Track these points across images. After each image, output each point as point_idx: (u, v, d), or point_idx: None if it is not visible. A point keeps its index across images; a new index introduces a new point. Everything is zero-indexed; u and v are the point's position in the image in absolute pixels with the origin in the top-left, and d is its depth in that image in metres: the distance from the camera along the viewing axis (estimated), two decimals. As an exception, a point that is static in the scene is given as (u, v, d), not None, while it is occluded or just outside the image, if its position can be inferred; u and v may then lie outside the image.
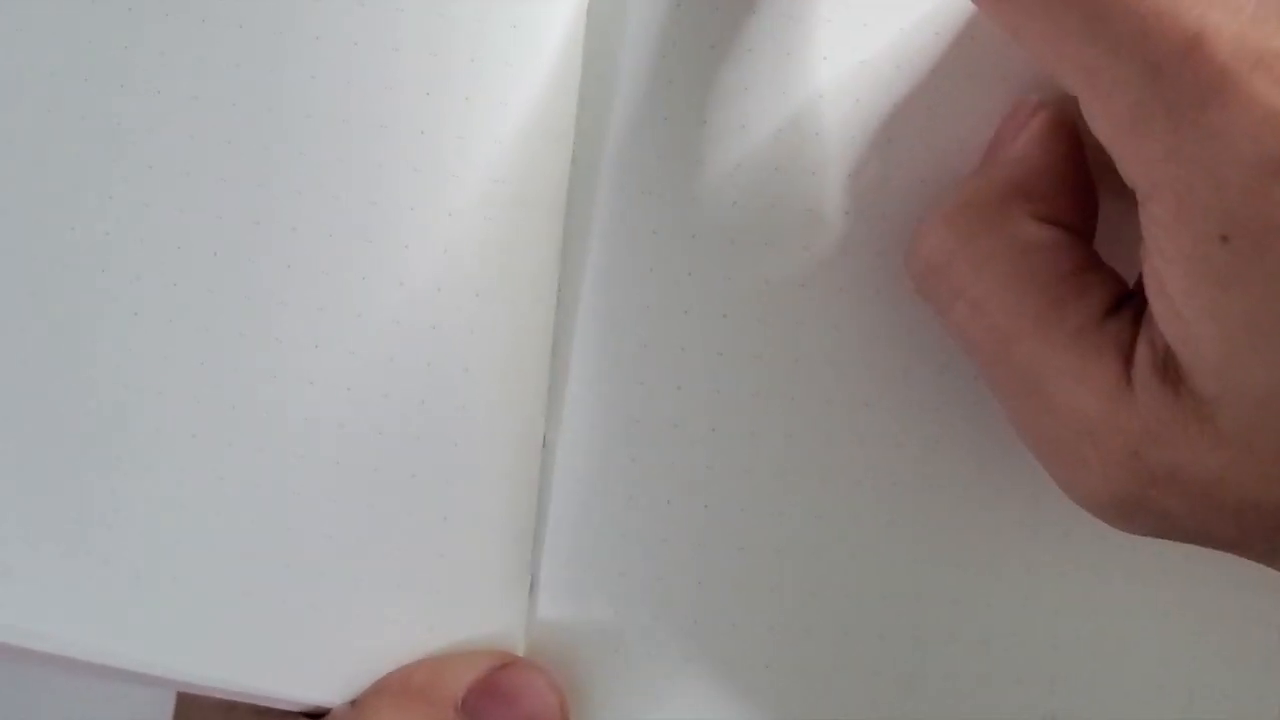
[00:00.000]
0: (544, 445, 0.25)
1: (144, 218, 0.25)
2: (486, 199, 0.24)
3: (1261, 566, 0.20)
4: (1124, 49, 0.17)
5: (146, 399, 0.25)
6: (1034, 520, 0.24)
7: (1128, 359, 0.19)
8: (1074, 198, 0.21)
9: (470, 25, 0.24)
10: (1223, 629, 0.24)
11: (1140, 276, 0.19)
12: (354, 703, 0.24)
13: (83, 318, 0.25)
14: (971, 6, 0.21)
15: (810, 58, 0.24)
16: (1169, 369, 0.18)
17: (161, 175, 0.25)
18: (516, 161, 0.24)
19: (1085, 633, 0.24)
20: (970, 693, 0.24)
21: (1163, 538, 0.19)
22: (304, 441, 0.24)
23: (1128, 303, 0.20)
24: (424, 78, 0.24)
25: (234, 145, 0.25)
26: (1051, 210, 0.21)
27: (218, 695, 0.25)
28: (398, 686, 0.24)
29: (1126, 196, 0.19)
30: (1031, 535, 0.24)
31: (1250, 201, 0.16)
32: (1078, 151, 0.21)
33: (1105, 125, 0.18)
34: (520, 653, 0.25)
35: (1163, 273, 0.18)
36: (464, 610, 0.25)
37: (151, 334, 0.25)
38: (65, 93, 0.25)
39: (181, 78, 0.25)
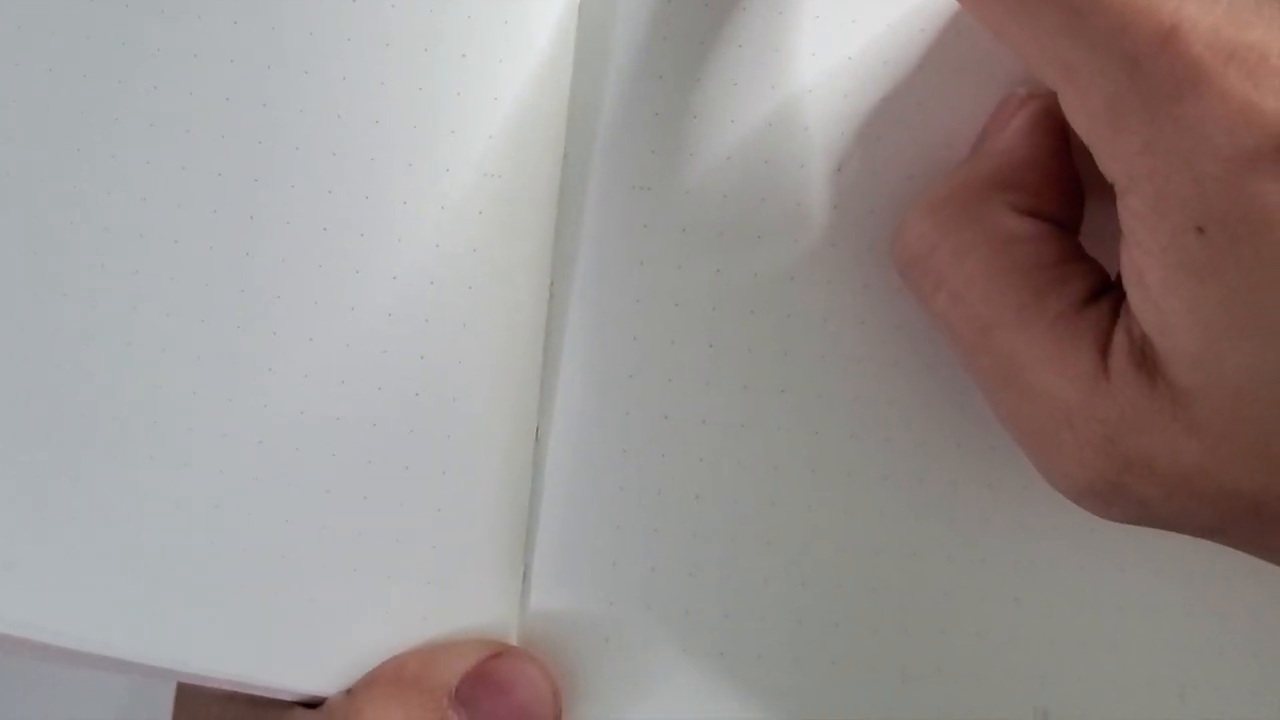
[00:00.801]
0: (536, 437, 0.25)
1: (142, 213, 0.25)
2: (478, 193, 0.24)
3: (1253, 559, 0.20)
4: (1101, 43, 0.17)
5: (144, 392, 0.25)
6: (1025, 514, 0.24)
7: (1105, 348, 0.19)
8: (1058, 191, 0.21)
9: (462, 21, 0.24)
10: (1215, 623, 0.24)
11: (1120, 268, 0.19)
12: (349, 692, 0.24)
13: (81, 312, 0.25)
14: (956, 3, 0.22)
15: (799, 53, 0.24)
16: (1146, 358, 0.18)
17: (158, 170, 0.25)
18: (508, 156, 0.24)
19: (1077, 626, 0.24)
20: (962, 686, 0.24)
21: (1142, 525, 0.19)
22: (299, 434, 0.25)
23: (1107, 293, 0.20)
24: (416, 73, 0.24)
25: (229, 140, 0.25)
26: (1034, 203, 0.21)
27: (215, 685, 0.25)
28: (391, 676, 0.24)
29: (1108, 189, 0.19)
30: (1023, 529, 0.24)
31: (1225, 193, 0.17)
32: (1062, 145, 0.21)
33: (1083, 119, 0.18)
34: (513, 642, 0.25)
35: (1140, 264, 0.18)
36: (457, 600, 0.25)
37: (149, 328, 0.25)
38: (63, 89, 0.25)
39: (177, 74, 0.25)
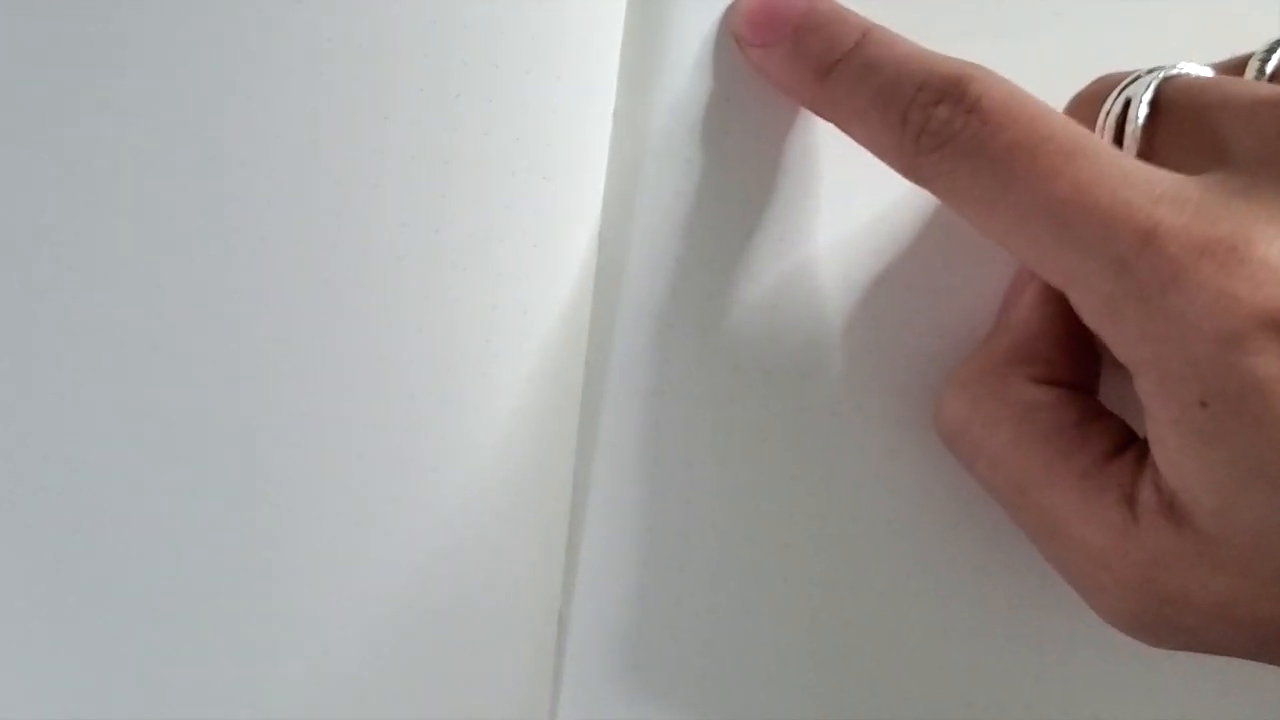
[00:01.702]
0: (555, 649, 0.26)
1: (184, 458, 0.25)
2: (507, 428, 0.25)
3: None
4: (1090, 249, 0.19)
5: (187, 603, 0.25)
6: (1049, 631, 0.26)
7: (1131, 497, 0.20)
8: (1070, 358, 0.23)
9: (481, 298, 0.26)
10: None
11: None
12: None
13: (134, 543, 0.25)
14: None
15: (831, 215, 0.26)
16: (1174, 508, 0.20)
17: (196, 411, 0.26)
18: (532, 402, 0.25)
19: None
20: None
21: (1194, 650, 0.21)
22: (332, 654, 0.25)
23: (1130, 446, 0.21)
24: (439, 333, 0.26)
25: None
26: (1050, 372, 0.23)
27: None
28: None
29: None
30: (1047, 644, 0.26)
31: (1218, 371, 0.18)
32: (1071, 312, 0.22)
33: (1087, 314, 0.20)
34: None
35: (1158, 432, 0.20)
36: None
37: (200, 551, 0.25)
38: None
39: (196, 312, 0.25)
